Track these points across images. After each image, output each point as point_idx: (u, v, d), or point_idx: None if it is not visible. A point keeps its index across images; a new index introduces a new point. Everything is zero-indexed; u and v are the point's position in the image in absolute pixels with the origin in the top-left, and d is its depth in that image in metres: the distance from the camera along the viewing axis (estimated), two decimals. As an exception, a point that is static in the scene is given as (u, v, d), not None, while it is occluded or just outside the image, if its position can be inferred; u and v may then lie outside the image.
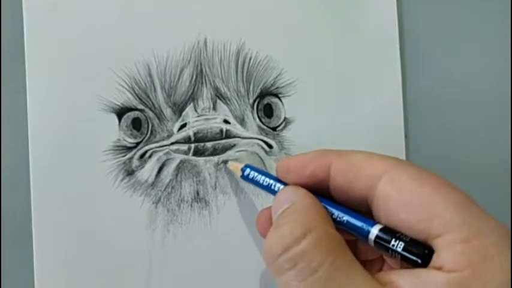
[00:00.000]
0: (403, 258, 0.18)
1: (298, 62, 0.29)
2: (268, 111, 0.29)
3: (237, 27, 0.29)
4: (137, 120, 0.28)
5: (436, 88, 0.31)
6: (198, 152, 0.29)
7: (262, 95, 0.29)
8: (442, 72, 0.31)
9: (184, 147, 0.29)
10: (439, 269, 0.17)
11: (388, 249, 0.19)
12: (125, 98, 0.28)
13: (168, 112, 0.29)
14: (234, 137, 0.29)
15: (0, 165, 0.29)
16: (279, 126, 0.29)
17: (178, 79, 0.29)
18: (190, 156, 0.29)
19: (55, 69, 0.28)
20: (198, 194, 0.29)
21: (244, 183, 0.29)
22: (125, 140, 0.28)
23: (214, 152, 0.29)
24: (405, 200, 0.18)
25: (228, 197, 0.29)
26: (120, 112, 0.28)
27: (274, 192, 0.24)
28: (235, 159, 0.29)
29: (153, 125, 0.29)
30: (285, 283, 0.18)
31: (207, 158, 0.29)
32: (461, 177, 0.31)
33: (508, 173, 0.31)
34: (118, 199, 0.28)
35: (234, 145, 0.29)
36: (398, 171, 0.19)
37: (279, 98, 0.29)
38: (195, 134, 0.28)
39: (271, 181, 0.24)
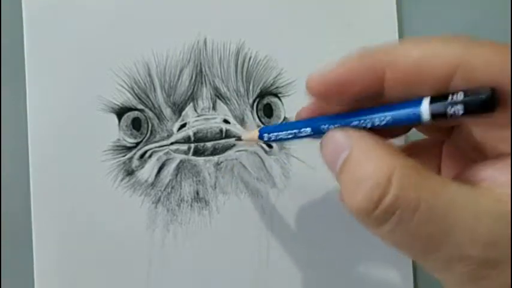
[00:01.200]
0: (467, 110, 0.16)
1: (297, 62, 0.29)
2: (268, 111, 0.29)
3: (236, 27, 0.29)
4: (137, 120, 0.29)
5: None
6: (197, 152, 0.29)
7: (262, 95, 0.29)
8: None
9: (184, 147, 0.29)
10: None
11: (446, 113, 0.16)
12: (125, 98, 0.28)
13: (167, 112, 0.29)
14: (234, 136, 0.29)
15: (0, 166, 0.29)
16: (278, 126, 0.29)
17: (178, 79, 0.29)
18: (190, 156, 0.29)
19: (55, 69, 0.28)
20: (197, 193, 0.29)
21: (243, 183, 0.29)
22: (125, 140, 0.28)
23: (214, 151, 0.29)
24: (496, 68, 0.16)
25: (228, 197, 0.29)
26: (120, 112, 0.28)
27: (308, 136, 0.21)
28: (236, 164, 0.29)
29: (152, 125, 0.29)
30: (388, 231, 0.17)
31: (207, 158, 0.29)
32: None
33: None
34: (118, 199, 0.28)
35: (234, 145, 0.29)
36: (472, 60, 0.16)
37: (279, 98, 0.29)
38: (194, 133, 0.28)
39: (301, 130, 0.21)
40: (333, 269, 0.29)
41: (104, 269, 0.28)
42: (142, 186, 0.28)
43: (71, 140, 0.28)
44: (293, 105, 0.29)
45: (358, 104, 0.18)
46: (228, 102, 0.29)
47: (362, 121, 0.18)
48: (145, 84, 0.29)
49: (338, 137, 0.18)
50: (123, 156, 0.28)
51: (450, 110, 0.16)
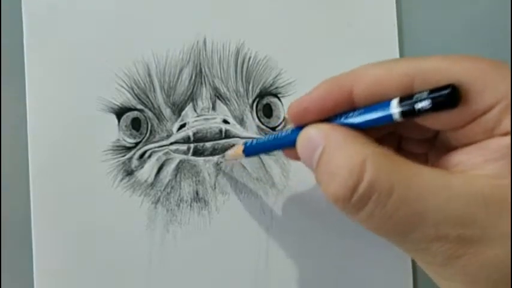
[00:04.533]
0: (434, 105, 0.17)
1: (297, 62, 0.29)
2: (267, 111, 0.29)
3: (236, 27, 0.29)
4: (136, 120, 0.29)
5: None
6: (197, 152, 0.29)
7: (261, 95, 0.29)
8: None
9: (184, 147, 0.29)
10: (506, 134, 0.17)
11: (414, 111, 0.18)
12: (124, 98, 0.28)
13: (167, 112, 0.29)
14: (234, 137, 0.29)
15: (0, 165, 0.29)
16: (278, 126, 0.29)
17: (178, 79, 0.29)
18: (189, 156, 0.29)
19: (54, 70, 0.28)
20: (197, 194, 0.29)
21: (243, 183, 0.29)
22: (124, 140, 0.28)
23: (214, 152, 0.29)
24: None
25: (228, 197, 0.29)
26: (120, 112, 0.28)
27: (288, 141, 0.22)
28: (235, 164, 0.29)
29: (152, 125, 0.29)
30: (366, 217, 0.18)
31: (207, 158, 0.29)
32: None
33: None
34: (117, 199, 0.28)
35: (234, 145, 0.29)
36: (424, 67, 0.18)
37: (279, 98, 0.29)
38: (194, 134, 0.28)
39: (282, 134, 0.22)
40: (332, 269, 0.29)
41: (103, 269, 0.28)
42: (141, 186, 0.28)
43: (71, 140, 0.28)
44: (293, 105, 0.29)
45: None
46: (227, 102, 0.29)
47: (338, 117, 0.20)
48: (144, 84, 0.29)
49: (311, 134, 0.20)
50: (123, 156, 0.28)
51: (418, 106, 0.17)
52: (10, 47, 0.29)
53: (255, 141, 0.25)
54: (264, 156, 0.29)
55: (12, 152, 0.29)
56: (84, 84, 0.28)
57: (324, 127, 0.20)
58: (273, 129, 0.29)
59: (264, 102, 0.29)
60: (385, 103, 0.19)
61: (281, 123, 0.29)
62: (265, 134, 0.29)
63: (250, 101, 0.29)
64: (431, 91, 0.17)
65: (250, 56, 0.29)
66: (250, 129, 0.29)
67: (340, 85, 0.20)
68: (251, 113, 0.29)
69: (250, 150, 0.25)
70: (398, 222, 0.17)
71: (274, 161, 0.29)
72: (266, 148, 0.24)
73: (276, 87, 0.29)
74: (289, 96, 0.29)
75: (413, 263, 0.29)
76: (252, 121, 0.29)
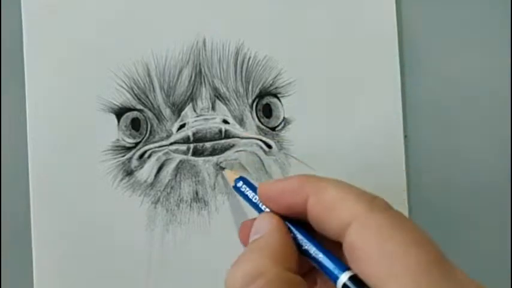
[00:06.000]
0: None
1: (297, 62, 0.29)
2: (267, 111, 0.29)
3: (236, 27, 0.29)
4: (136, 120, 0.29)
5: (436, 88, 0.31)
6: (197, 152, 0.29)
7: (261, 95, 0.29)
8: (442, 73, 0.31)
9: (183, 147, 0.29)
10: None
11: None
12: (124, 98, 0.28)
13: (167, 112, 0.29)
14: (233, 137, 0.29)
15: (0, 165, 0.29)
16: (278, 126, 0.29)
17: (177, 79, 0.29)
18: (189, 157, 0.29)
19: (54, 69, 0.28)
20: (197, 194, 0.29)
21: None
22: (124, 140, 0.28)
23: (214, 152, 0.29)
24: (368, 253, 0.18)
25: (227, 197, 0.29)
26: (119, 112, 0.28)
27: (261, 211, 0.23)
28: (234, 164, 0.29)
29: (152, 125, 0.29)
30: None
31: (206, 158, 0.29)
32: (460, 177, 0.31)
33: (508, 172, 0.31)
34: (117, 199, 0.28)
35: (233, 145, 0.29)
36: (368, 219, 0.19)
37: (278, 98, 0.29)
38: (194, 134, 0.28)
39: (260, 206, 0.23)
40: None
41: (103, 269, 0.28)
42: (141, 186, 0.28)
43: (70, 140, 0.28)
44: (292, 105, 0.29)
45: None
46: (227, 102, 0.29)
47: (299, 236, 0.21)
48: (144, 84, 0.29)
49: (263, 219, 0.21)
50: (123, 156, 0.28)
51: None
52: (10, 47, 0.29)
53: (244, 188, 0.25)
54: (263, 157, 0.29)
55: (12, 152, 0.29)
56: (84, 84, 0.28)
57: (275, 221, 0.21)
58: (273, 129, 0.29)
59: (264, 102, 0.29)
60: (341, 267, 0.19)
61: (281, 123, 0.29)
62: (265, 134, 0.29)
63: (250, 101, 0.29)
64: None
65: (250, 56, 0.29)
66: (250, 129, 0.29)
67: (302, 189, 0.21)
68: (251, 113, 0.29)
69: (238, 188, 0.25)
70: None
71: (273, 161, 0.29)
72: (246, 200, 0.25)
73: (276, 87, 0.29)
74: (289, 96, 0.29)
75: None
76: (251, 121, 0.29)
